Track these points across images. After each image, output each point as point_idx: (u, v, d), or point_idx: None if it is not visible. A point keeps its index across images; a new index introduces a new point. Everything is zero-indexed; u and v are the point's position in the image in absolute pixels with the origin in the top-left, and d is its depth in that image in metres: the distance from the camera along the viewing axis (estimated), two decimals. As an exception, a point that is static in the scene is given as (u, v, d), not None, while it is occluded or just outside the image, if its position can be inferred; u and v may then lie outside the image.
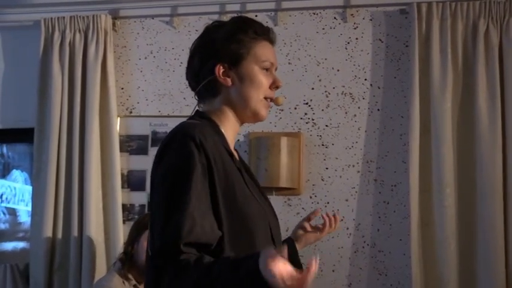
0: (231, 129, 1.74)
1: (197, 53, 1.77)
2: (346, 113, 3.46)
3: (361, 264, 3.36)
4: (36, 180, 3.58)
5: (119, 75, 3.68)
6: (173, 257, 1.50)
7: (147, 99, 3.67)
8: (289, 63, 3.53)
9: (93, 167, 3.49)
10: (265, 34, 1.77)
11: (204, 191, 1.56)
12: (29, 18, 3.77)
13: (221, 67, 1.71)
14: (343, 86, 3.47)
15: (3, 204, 3.98)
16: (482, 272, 3.13)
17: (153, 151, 3.51)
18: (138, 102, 3.68)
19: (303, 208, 3.42)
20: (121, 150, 3.58)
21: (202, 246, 1.52)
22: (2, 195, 3.96)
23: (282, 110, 3.50)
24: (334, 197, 3.41)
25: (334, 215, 2.32)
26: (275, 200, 3.39)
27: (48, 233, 3.48)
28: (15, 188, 3.99)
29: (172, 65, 3.66)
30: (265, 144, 3.38)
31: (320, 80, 3.50)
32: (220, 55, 1.72)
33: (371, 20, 3.49)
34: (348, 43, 3.50)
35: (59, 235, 3.50)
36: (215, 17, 3.50)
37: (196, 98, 1.78)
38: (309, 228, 2.31)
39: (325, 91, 3.49)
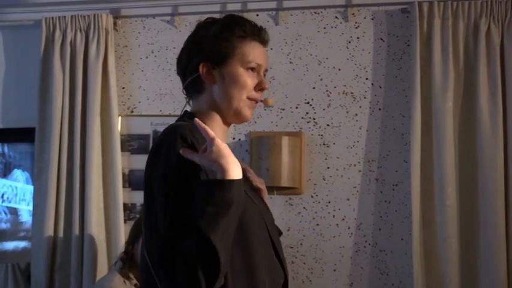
0: (220, 131, 1.72)
1: (185, 49, 1.77)
2: (347, 112, 3.45)
3: (363, 263, 3.36)
4: (38, 179, 3.58)
5: (120, 75, 3.68)
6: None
7: (148, 99, 3.67)
8: (290, 62, 3.52)
9: (94, 167, 3.49)
10: (255, 34, 1.72)
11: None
12: (30, 17, 3.77)
13: (205, 65, 1.70)
14: (345, 85, 3.47)
15: (5, 204, 3.98)
16: (483, 271, 3.13)
17: (154, 150, 3.50)
18: (139, 102, 3.68)
19: (304, 207, 3.42)
20: (122, 150, 3.58)
21: None
22: (3, 194, 3.96)
23: (283, 110, 3.49)
24: (336, 197, 3.41)
25: None
26: (276, 200, 3.40)
27: (50, 232, 3.48)
28: (16, 188, 3.99)
29: (173, 65, 3.58)
30: (266, 143, 3.38)
31: (321, 79, 3.49)
32: (205, 53, 1.70)
33: (372, 19, 3.48)
34: (349, 42, 3.49)
35: (60, 234, 3.50)
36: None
37: (184, 93, 1.79)
38: None
39: (327, 90, 3.48)
